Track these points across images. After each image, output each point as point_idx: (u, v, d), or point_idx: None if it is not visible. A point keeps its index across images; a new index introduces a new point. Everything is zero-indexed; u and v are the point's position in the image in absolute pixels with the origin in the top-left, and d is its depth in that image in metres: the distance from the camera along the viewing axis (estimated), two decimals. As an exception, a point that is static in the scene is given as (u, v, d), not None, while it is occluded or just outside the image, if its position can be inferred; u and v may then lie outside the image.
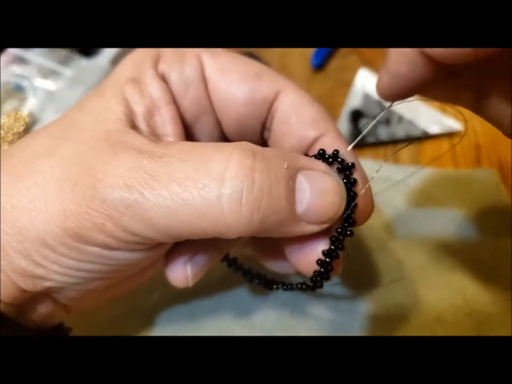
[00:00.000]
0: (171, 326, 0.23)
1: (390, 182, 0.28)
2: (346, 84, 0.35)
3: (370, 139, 0.30)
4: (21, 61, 0.35)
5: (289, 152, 0.14)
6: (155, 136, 0.15)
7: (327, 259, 0.15)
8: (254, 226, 0.12)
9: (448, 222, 0.25)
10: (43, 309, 0.16)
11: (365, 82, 0.34)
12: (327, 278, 0.15)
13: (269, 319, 0.22)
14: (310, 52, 0.38)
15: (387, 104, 0.36)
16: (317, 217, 0.13)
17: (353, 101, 0.33)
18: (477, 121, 0.32)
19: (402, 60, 0.12)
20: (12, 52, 0.35)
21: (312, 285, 0.16)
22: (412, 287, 0.23)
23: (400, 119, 0.31)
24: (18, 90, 0.34)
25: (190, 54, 0.17)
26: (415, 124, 0.31)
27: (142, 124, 0.15)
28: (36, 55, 0.35)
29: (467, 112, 0.36)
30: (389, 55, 0.13)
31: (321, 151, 0.15)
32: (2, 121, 0.32)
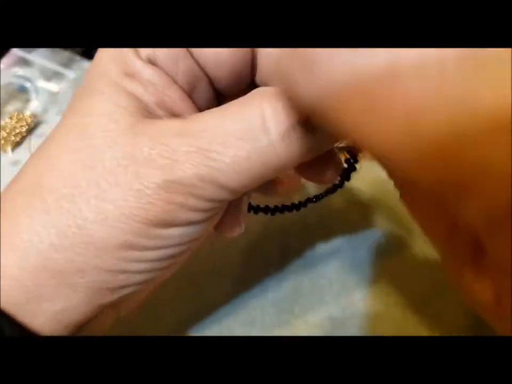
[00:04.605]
0: (169, 321, 0.23)
1: (389, 183, 0.28)
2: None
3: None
4: (24, 62, 0.35)
5: None
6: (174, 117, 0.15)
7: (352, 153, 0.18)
8: (308, 158, 0.14)
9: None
10: (105, 320, 0.16)
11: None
12: (355, 169, 0.18)
13: (268, 316, 0.23)
14: (309, 54, 0.38)
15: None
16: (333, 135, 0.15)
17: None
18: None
19: None
20: (15, 53, 0.35)
21: (340, 181, 0.19)
22: (410, 286, 0.23)
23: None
24: (21, 92, 0.34)
25: None
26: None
27: (158, 112, 0.15)
28: (39, 57, 0.35)
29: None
30: None
31: None
32: (4, 122, 0.32)
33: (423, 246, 0.25)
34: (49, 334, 0.14)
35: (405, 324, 0.22)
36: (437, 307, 0.22)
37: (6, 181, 0.33)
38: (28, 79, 0.35)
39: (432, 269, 0.24)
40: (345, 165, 0.18)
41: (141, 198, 0.13)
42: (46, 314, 0.14)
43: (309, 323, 0.22)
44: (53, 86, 0.35)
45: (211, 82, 0.17)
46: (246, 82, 0.17)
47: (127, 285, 0.15)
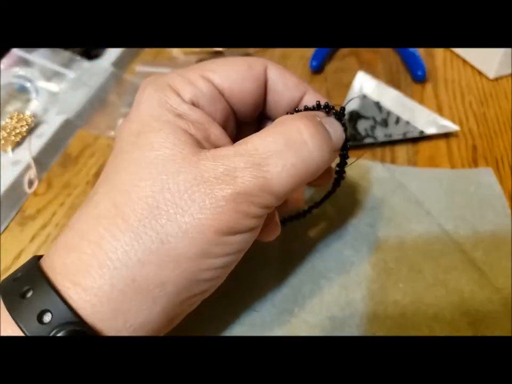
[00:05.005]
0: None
1: (388, 183, 0.28)
2: (344, 85, 0.35)
3: (368, 140, 0.31)
4: (25, 62, 0.35)
5: (304, 112, 0.19)
6: None
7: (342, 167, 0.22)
8: (330, 162, 0.18)
9: (445, 221, 0.26)
10: (162, 333, 0.17)
11: (363, 84, 0.34)
12: (343, 177, 0.23)
13: (269, 316, 0.23)
14: (308, 54, 0.38)
15: (384, 105, 0.36)
16: (337, 146, 0.19)
17: (352, 102, 0.33)
18: (473, 122, 0.32)
19: None
20: (15, 53, 0.35)
21: (332, 188, 0.23)
22: (409, 286, 0.23)
23: (398, 120, 0.32)
24: (21, 92, 0.34)
25: (193, 75, 0.19)
26: (412, 125, 0.31)
27: (206, 145, 0.17)
28: (39, 57, 0.35)
29: (463, 114, 0.37)
30: None
31: (318, 102, 0.19)
32: (5, 122, 0.32)
33: (422, 247, 0.25)
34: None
35: (404, 323, 0.22)
36: (437, 307, 0.22)
37: (6, 181, 0.33)
38: (28, 79, 0.35)
39: (432, 268, 0.24)
40: (336, 175, 0.22)
41: (214, 210, 0.15)
42: (129, 329, 0.15)
43: (309, 323, 0.22)
44: (53, 86, 0.35)
45: (235, 115, 0.20)
46: (259, 112, 0.21)
47: (195, 294, 0.17)
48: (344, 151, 0.21)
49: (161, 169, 0.16)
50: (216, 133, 0.18)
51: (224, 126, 0.19)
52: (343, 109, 0.19)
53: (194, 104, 0.18)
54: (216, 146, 0.18)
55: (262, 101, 0.20)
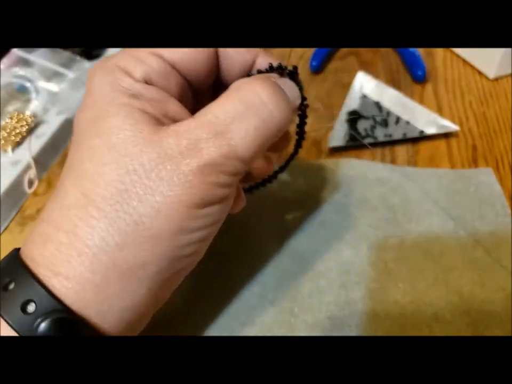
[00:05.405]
0: (170, 321, 0.23)
1: (387, 184, 0.28)
2: (344, 85, 0.35)
3: (368, 140, 0.31)
4: (25, 62, 0.35)
5: (259, 74, 0.19)
6: None
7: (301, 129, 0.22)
8: (290, 121, 0.18)
9: (445, 221, 0.26)
10: (149, 316, 0.18)
11: (363, 84, 0.34)
12: (304, 138, 0.23)
13: (268, 316, 0.23)
14: (308, 54, 0.38)
15: (384, 105, 0.36)
16: (294, 105, 0.19)
17: (351, 102, 0.33)
18: (473, 122, 0.32)
19: None
20: (15, 53, 0.35)
21: (295, 151, 0.23)
22: (409, 286, 0.23)
23: (398, 120, 0.32)
24: (21, 92, 0.34)
25: (142, 52, 0.18)
26: (412, 125, 0.31)
27: (165, 121, 0.17)
28: (39, 57, 0.35)
29: (463, 114, 0.37)
30: None
31: (270, 64, 0.19)
32: (5, 122, 0.33)
33: (422, 246, 0.25)
34: (116, 333, 0.15)
35: (404, 323, 0.22)
36: (437, 307, 0.22)
37: (6, 181, 0.33)
38: (28, 79, 0.35)
39: (432, 268, 0.24)
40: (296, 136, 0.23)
41: (183, 185, 0.15)
42: (116, 313, 0.15)
43: (308, 323, 0.22)
44: (53, 86, 0.35)
45: (190, 86, 0.20)
46: (213, 80, 0.21)
47: (178, 271, 0.17)
48: (301, 111, 0.21)
49: (124, 152, 0.15)
50: (174, 108, 0.18)
51: (180, 99, 0.19)
52: (295, 68, 0.20)
53: (147, 82, 0.17)
54: (175, 121, 0.17)
55: (215, 67, 0.20)
